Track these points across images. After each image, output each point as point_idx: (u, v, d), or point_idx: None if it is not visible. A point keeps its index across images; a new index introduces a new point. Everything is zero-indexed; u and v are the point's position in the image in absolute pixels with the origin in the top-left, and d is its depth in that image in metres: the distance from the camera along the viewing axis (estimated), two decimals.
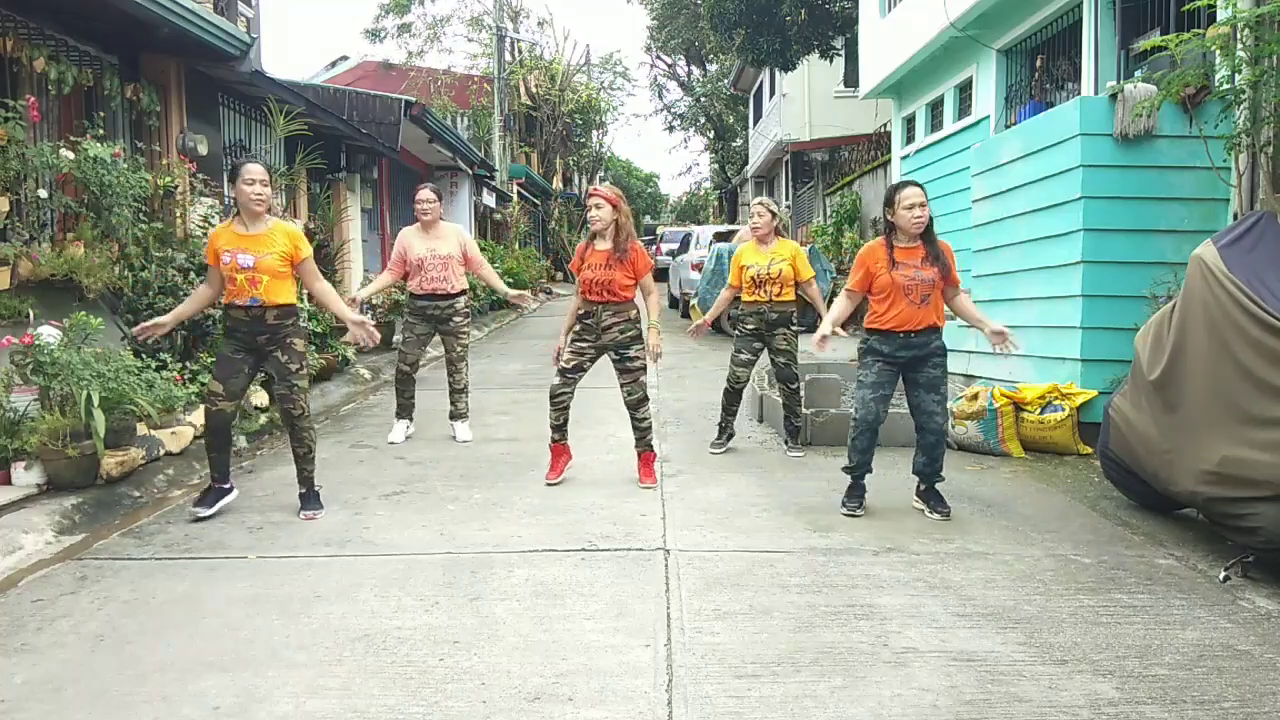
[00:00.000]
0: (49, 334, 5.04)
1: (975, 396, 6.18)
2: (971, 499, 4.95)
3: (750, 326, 5.92)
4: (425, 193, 6.38)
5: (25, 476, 4.73)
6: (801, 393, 6.13)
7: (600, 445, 6.19)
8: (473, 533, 4.36)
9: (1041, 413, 6.02)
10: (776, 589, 3.60)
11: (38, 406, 4.90)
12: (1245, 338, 3.75)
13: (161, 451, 5.54)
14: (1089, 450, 5.84)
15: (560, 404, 5.19)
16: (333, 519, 4.60)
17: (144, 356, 5.87)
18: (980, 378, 7.37)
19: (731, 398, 6.06)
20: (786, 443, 6.14)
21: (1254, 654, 3.05)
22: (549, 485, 5.17)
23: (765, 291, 5.82)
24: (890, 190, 4.59)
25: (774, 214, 6.00)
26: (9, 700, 2.76)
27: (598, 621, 3.29)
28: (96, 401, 4.73)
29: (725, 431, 6.13)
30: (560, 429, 5.26)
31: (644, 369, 5.18)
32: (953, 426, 6.18)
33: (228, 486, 4.73)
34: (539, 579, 3.72)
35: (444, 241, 6.33)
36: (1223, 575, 3.77)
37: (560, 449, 5.30)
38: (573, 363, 5.15)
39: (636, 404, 5.18)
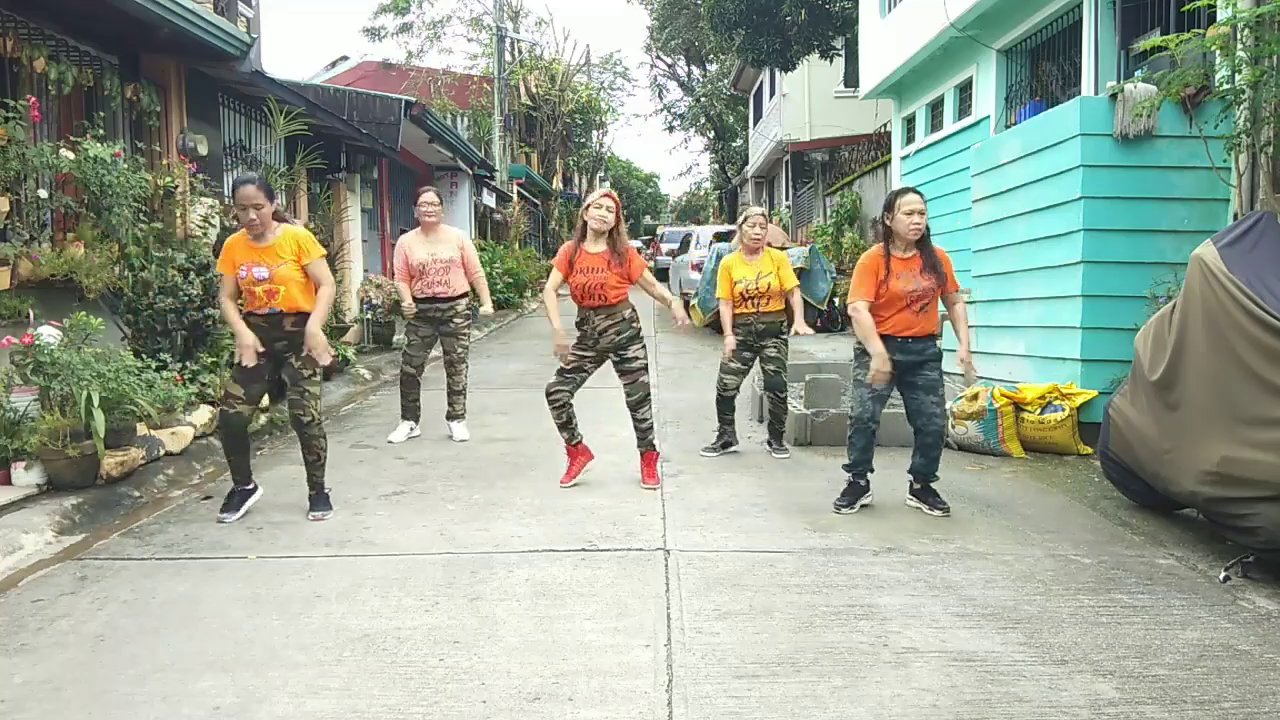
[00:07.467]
0: (49, 334, 5.03)
1: (975, 396, 6.18)
2: (971, 499, 4.95)
3: (739, 338, 5.92)
4: (429, 195, 6.48)
5: (25, 476, 4.73)
6: (789, 401, 6.14)
7: (600, 445, 6.17)
8: (473, 533, 4.36)
9: (1041, 413, 6.02)
10: (776, 589, 3.60)
11: (38, 406, 4.90)
12: (1245, 337, 3.75)
13: (161, 451, 5.54)
14: (1089, 450, 5.84)
15: (556, 402, 5.12)
16: (333, 519, 4.60)
17: (144, 356, 5.87)
18: (980, 378, 7.36)
19: (724, 406, 6.07)
20: (769, 443, 6.12)
21: (1254, 654, 3.06)
22: (562, 487, 5.12)
23: (753, 304, 5.82)
24: (891, 195, 4.62)
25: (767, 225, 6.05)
26: (9, 700, 2.76)
27: (598, 621, 3.29)
28: (96, 401, 4.73)
29: (722, 438, 6.12)
30: (568, 428, 5.18)
31: (645, 369, 5.17)
32: (953, 427, 6.19)
33: (251, 487, 4.73)
34: (539, 579, 3.72)
35: (444, 245, 6.43)
36: (1223, 575, 3.77)
37: (576, 451, 5.24)
38: (572, 364, 5.12)
39: (638, 404, 5.17)
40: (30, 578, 3.82)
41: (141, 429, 5.37)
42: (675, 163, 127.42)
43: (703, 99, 37.32)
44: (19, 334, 4.97)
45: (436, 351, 6.77)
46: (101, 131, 6.37)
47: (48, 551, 4.15)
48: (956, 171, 9.92)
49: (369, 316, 11.22)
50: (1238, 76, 5.31)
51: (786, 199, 25.94)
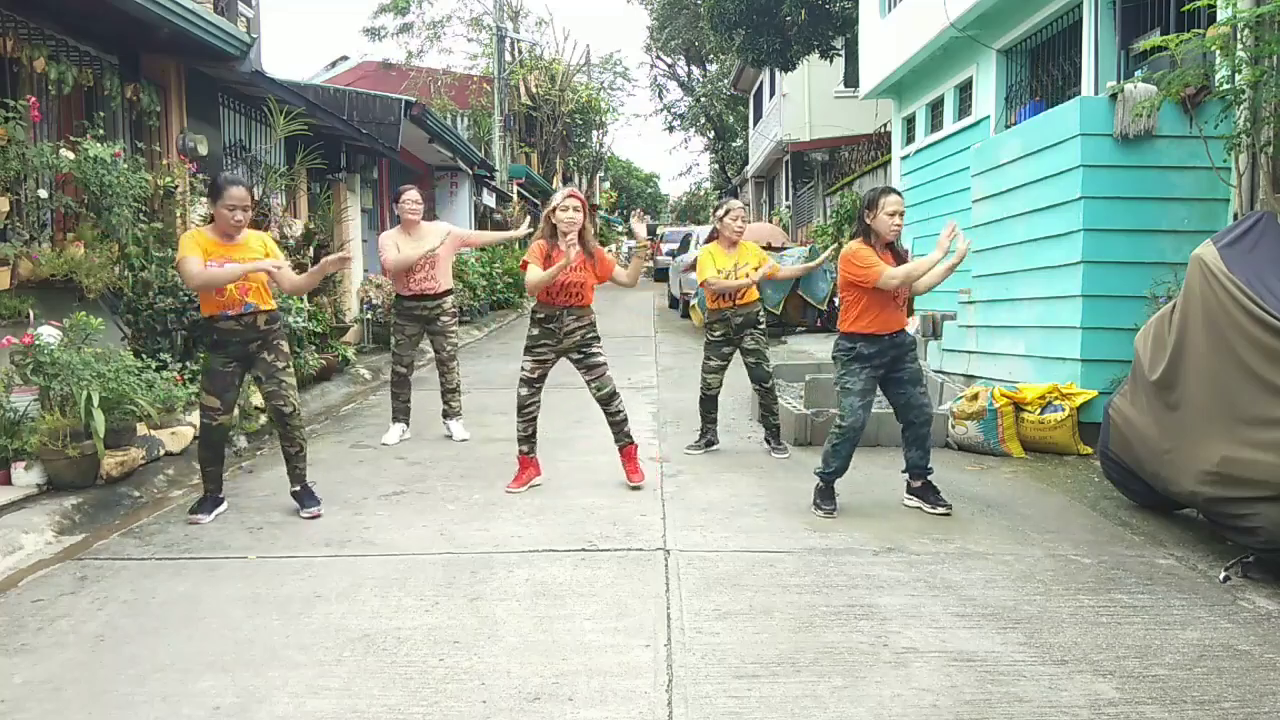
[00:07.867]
0: (49, 334, 5.03)
1: (975, 396, 6.18)
2: (971, 499, 4.95)
3: (719, 333, 5.91)
4: (414, 193, 6.46)
5: (25, 476, 4.73)
6: (776, 390, 6.11)
7: (600, 445, 6.18)
8: (473, 533, 4.36)
9: (1041, 413, 6.02)
10: (776, 589, 3.60)
11: (38, 406, 4.90)
12: (1245, 337, 3.75)
13: (161, 451, 5.54)
14: (1089, 450, 5.84)
15: (528, 415, 5.08)
16: (333, 519, 4.60)
17: (144, 356, 5.87)
18: (980, 378, 7.37)
19: (707, 405, 6.06)
20: (767, 441, 6.09)
21: (1254, 654, 3.06)
22: (508, 493, 5.04)
23: (729, 298, 5.80)
24: (875, 193, 4.60)
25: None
26: (9, 700, 2.76)
27: (598, 621, 3.29)
28: (96, 401, 4.73)
29: (704, 437, 6.11)
30: (528, 440, 5.14)
31: (607, 364, 5.13)
32: (952, 427, 6.19)
33: (222, 496, 4.74)
34: (539, 579, 3.72)
35: (428, 241, 6.32)
36: (1223, 575, 3.77)
37: (527, 461, 5.18)
38: (537, 371, 5.05)
39: (609, 398, 5.12)
40: (30, 578, 3.82)
41: (141, 429, 5.37)
42: (675, 163, 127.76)
43: (703, 99, 37.33)
44: (19, 334, 4.98)
45: (432, 351, 6.76)
46: (101, 131, 6.37)
47: (48, 551, 4.15)
48: (956, 171, 9.91)
49: (369, 316, 11.22)
50: (1238, 76, 5.31)
51: (786, 199, 25.96)
